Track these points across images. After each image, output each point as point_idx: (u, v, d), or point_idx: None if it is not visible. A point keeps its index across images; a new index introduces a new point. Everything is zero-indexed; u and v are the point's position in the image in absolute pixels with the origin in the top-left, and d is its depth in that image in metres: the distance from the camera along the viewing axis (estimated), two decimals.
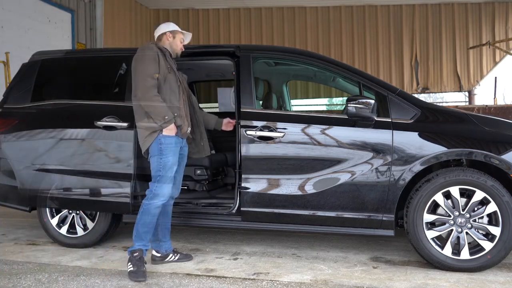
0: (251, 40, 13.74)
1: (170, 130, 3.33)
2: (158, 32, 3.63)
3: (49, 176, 3.97)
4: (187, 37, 3.73)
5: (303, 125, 3.57)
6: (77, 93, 4.17)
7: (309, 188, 3.53)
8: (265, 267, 3.51)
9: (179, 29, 3.66)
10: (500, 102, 17.44)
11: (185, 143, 3.59)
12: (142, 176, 4.34)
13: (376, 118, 3.44)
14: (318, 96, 14.45)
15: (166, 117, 3.30)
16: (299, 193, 3.54)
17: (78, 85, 4.24)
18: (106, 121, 3.82)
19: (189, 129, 3.56)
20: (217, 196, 4.49)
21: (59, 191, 3.95)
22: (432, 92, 14.85)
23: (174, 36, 3.61)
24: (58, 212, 4.16)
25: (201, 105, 5.91)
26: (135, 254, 3.32)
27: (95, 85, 4.24)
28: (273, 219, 3.63)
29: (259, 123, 3.62)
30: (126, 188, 3.77)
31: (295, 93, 13.78)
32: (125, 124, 3.78)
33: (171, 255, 3.65)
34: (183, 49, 3.69)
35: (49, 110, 4.08)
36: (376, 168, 3.41)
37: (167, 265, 3.59)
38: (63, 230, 4.14)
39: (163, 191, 3.38)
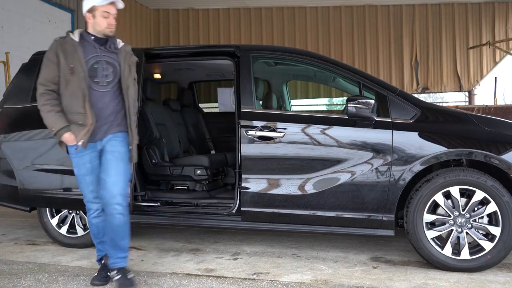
0: (251, 40, 13.73)
1: (67, 141, 2.99)
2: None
3: (49, 176, 3.96)
4: (119, 4, 3.06)
5: (303, 125, 3.57)
6: None
7: (309, 188, 3.53)
8: (265, 267, 3.51)
9: (99, 2, 2.98)
10: (500, 102, 17.43)
11: (108, 139, 3.07)
12: (142, 176, 4.34)
13: (376, 118, 3.44)
14: (318, 96, 14.44)
15: (53, 129, 2.97)
16: (299, 193, 3.54)
17: None
18: None
19: (84, 141, 2.96)
20: (217, 196, 4.49)
21: (59, 191, 3.95)
22: (432, 92, 14.84)
23: (94, 15, 3.02)
24: (58, 212, 4.16)
25: (201, 105, 5.93)
26: (102, 261, 3.26)
27: None
28: (273, 219, 3.63)
29: (259, 123, 3.61)
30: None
31: (295, 93, 13.77)
32: None
33: (112, 272, 3.13)
34: (114, 23, 3.06)
35: None
36: (376, 168, 3.41)
37: (167, 265, 3.59)
38: (63, 230, 4.14)
39: (87, 203, 3.17)
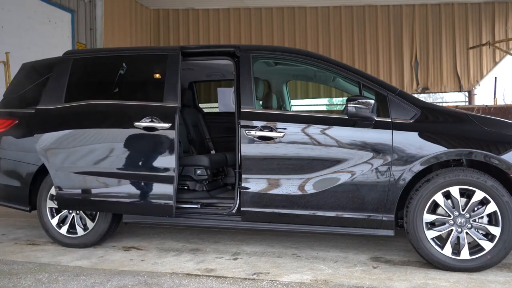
0: (251, 40, 13.74)
1: None
2: None
3: (88, 179, 3.87)
4: None
5: (303, 125, 3.57)
6: (112, 93, 4.10)
7: (309, 188, 3.53)
8: (265, 267, 3.51)
9: None
10: (500, 102, 17.44)
11: None
12: (184, 178, 4.29)
13: (376, 118, 3.44)
14: (318, 96, 14.45)
15: None
16: (299, 193, 3.54)
17: (113, 84, 4.15)
18: (146, 122, 3.75)
19: None
20: (217, 196, 4.49)
21: (100, 194, 3.85)
22: (432, 92, 14.85)
23: None
24: (58, 212, 4.16)
25: (201, 105, 5.93)
26: None
27: (131, 84, 4.15)
28: (273, 219, 3.63)
29: (259, 123, 3.62)
30: (168, 191, 3.70)
31: (295, 93, 13.78)
32: (166, 125, 3.71)
33: None
34: None
35: (86, 110, 3.95)
36: (376, 168, 3.41)
37: (167, 265, 3.59)
38: (63, 230, 4.14)
39: None
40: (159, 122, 3.73)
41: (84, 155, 3.88)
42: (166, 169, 3.72)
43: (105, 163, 3.84)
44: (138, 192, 3.79)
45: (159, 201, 3.73)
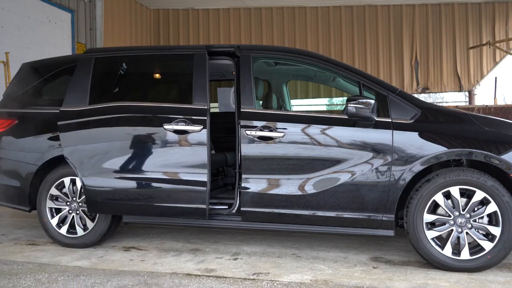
0: (251, 40, 13.74)
1: None
2: None
3: (120, 183, 3.82)
4: None
5: (303, 125, 3.57)
6: (136, 94, 4.06)
7: (309, 188, 3.53)
8: (265, 267, 3.51)
9: None
10: (500, 102, 17.44)
11: None
12: (217, 180, 4.25)
13: (376, 118, 3.44)
14: (318, 96, 14.46)
15: None
16: (299, 193, 3.54)
17: (138, 86, 4.11)
18: (177, 125, 3.70)
19: None
20: (217, 196, 4.48)
21: (132, 197, 3.81)
22: (432, 92, 14.85)
23: None
24: (58, 212, 4.16)
25: None
26: None
27: (157, 85, 4.11)
28: (273, 219, 3.63)
29: (259, 123, 3.61)
30: (202, 194, 3.68)
31: (295, 93, 13.78)
32: (197, 128, 3.67)
33: None
34: None
35: (114, 113, 3.87)
36: (376, 168, 3.41)
37: (167, 265, 3.59)
38: (63, 230, 4.13)
39: None
40: (189, 125, 3.68)
41: (116, 158, 3.81)
42: (199, 173, 3.68)
43: (136, 167, 3.78)
44: (170, 195, 3.74)
45: (193, 204, 3.70)
